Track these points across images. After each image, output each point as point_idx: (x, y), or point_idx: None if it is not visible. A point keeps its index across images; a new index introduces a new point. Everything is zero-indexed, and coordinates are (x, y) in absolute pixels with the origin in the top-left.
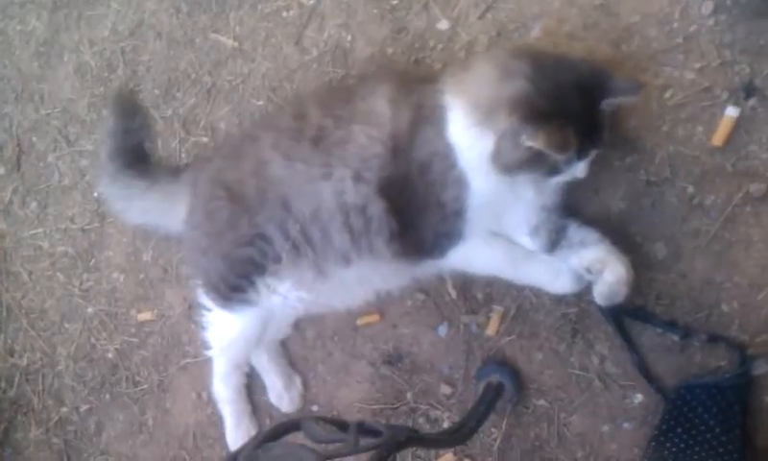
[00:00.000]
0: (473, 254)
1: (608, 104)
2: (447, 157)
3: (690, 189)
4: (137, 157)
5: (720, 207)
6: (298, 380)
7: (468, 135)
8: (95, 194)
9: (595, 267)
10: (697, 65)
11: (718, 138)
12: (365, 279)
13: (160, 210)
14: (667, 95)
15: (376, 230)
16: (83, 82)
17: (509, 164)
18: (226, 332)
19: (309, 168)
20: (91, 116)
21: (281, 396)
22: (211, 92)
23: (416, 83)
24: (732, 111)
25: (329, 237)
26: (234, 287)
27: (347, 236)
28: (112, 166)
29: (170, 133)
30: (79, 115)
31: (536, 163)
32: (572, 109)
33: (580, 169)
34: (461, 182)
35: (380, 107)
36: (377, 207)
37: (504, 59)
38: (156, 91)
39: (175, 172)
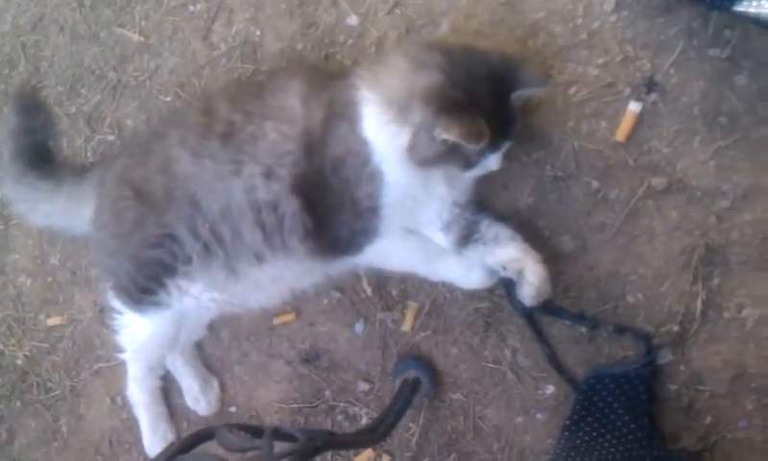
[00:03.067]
0: (389, 251)
1: (517, 96)
2: (361, 153)
3: (595, 184)
4: (41, 157)
5: (624, 201)
6: (214, 383)
7: (384, 131)
8: None
9: (511, 266)
10: (600, 61)
11: (621, 133)
12: (279, 278)
13: (66, 212)
14: (572, 91)
15: (290, 228)
16: None
17: (424, 157)
18: (138, 335)
19: (218, 165)
20: None
21: (198, 399)
22: (117, 88)
23: (327, 78)
24: (634, 106)
25: (240, 235)
26: (144, 289)
27: (258, 234)
28: (15, 167)
29: (75, 132)
30: None
31: (451, 156)
32: (485, 100)
33: (494, 161)
34: (375, 179)
35: (292, 103)
36: (290, 205)
37: (417, 51)
38: (60, 88)
39: (80, 172)
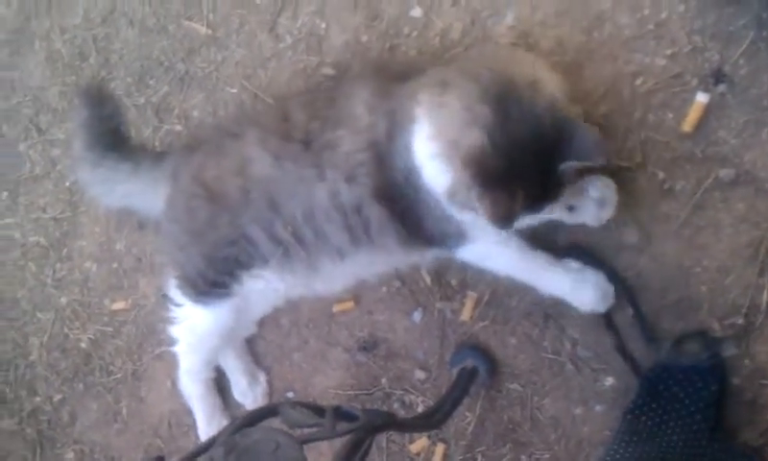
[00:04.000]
0: (487, 255)
1: (568, 166)
2: (419, 173)
3: (661, 175)
4: (117, 141)
5: (690, 193)
6: (262, 378)
7: (431, 166)
8: (67, 183)
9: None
10: (668, 52)
11: (688, 124)
12: (357, 270)
13: (143, 194)
14: (638, 82)
15: (378, 231)
16: (54, 70)
17: (463, 207)
18: (197, 327)
19: (300, 169)
20: (62, 105)
21: (245, 393)
22: (184, 80)
23: (393, 81)
24: (702, 98)
25: (325, 236)
26: (214, 283)
27: (345, 235)
28: (92, 154)
29: (143, 122)
30: (50, 104)
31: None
32: (528, 169)
33: (553, 211)
34: (437, 200)
35: (359, 112)
36: (375, 212)
37: (473, 99)
38: (129, 79)
39: (157, 156)
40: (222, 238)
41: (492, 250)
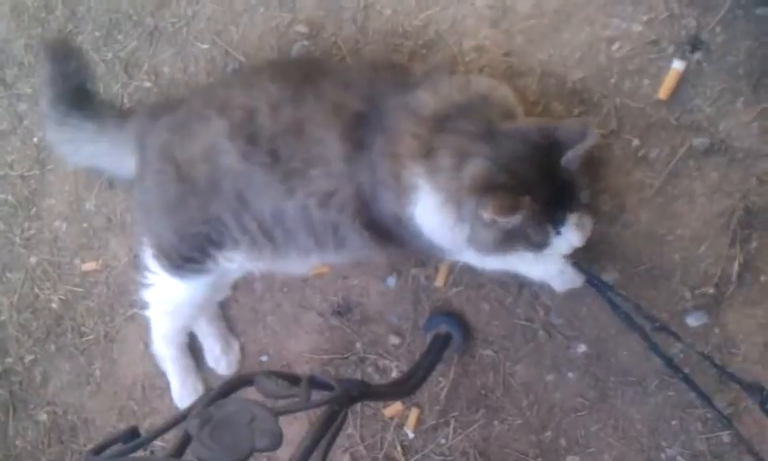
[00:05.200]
0: (476, 262)
1: (567, 160)
2: (413, 225)
3: (636, 142)
4: (82, 99)
5: (664, 161)
6: (235, 344)
7: (443, 222)
8: (35, 140)
9: None
10: (645, 18)
11: (664, 92)
12: (326, 259)
13: (110, 154)
14: (615, 47)
15: (356, 245)
16: (19, 22)
17: (487, 247)
18: (173, 297)
19: (268, 177)
20: (29, 58)
21: (219, 359)
22: (154, 35)
23: (364, 126)
24: (678, 65)
25: (293, 237)
26: (188, 258)
27: (312, 239)
28: (57, 111)
29: (112, 77)
30: (16, 57)
31: (512, 240)
32: (535, 178)
33: (572, 238)
34: (432, 243)
35: (336, 163)
36: (356, 235)
37: (460, 143)
38: (97, 33)
39: (121, 115)
40: (192, 217)
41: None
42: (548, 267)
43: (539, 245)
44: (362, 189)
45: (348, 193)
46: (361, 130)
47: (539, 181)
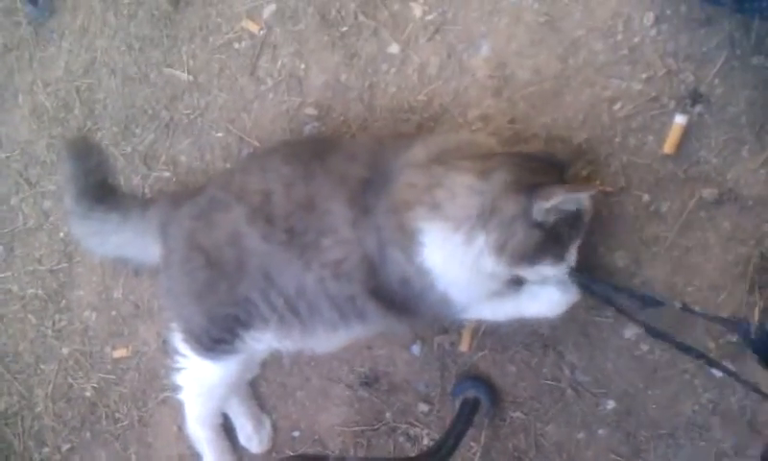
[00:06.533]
0: (479, 315)
1: (569, 177)
2: (424, 277)
3: (646, 197)
4: (104, 193)
5: (676, 213)
6: (267, 422)
7: (454, 254)
8: (61, 234)
9: None
10: (643, 76)
11: (669, 146)
12: (351, 335)
13: (134, 244)
14: (617, 107)
15: (372, 316)
16: (39, 123)
17: (520, 253)
18: (205, 379)
19: (288, 254)
20: (51, 157)
21: (251, 437)
22: (170, 126)
23: (368, 191)
24: (680, 119)
25: (318, 310)
26: (218, 339)
27: (335, 313)
28: (80, 207)
29: (132, 170)
30: (38, 157)
31: (546, 245)
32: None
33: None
34: (443, 300)
35: (343, 230)
36: (369, 306)
37: (476, 165)
38: (115, 128)
39: (143, 204)
40: (222, 299)
41: (482, 313)
42: (551, 294)
43: (561, 255)
44: (370, 255)
45: (356, 259)
46: (366, 195)
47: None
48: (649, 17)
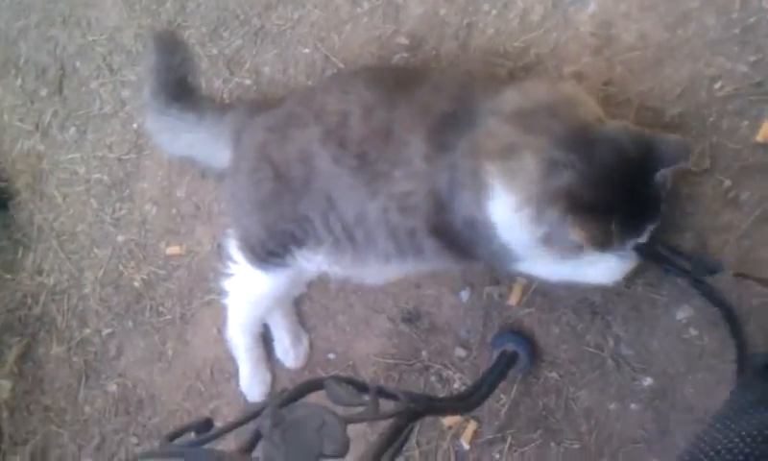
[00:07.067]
0: (534, 272)
1: (661, 175)
2: (488, 226)
3: (727, 183)
4: (183, 91)
5: (755, 204)
6: (305, 339)
7: (518, 226)
8: (134, 125)
9: None
10: (751, 59)
11: (763, 135)
12: (402, 270)
13: (207, 145)
14: (717, 86)
15: (430, 253)
16: (131, 12)
17: (562, 252)
18: (254, 288)
19: (355, 180)
20: (137, 47)
21: (287, 351)
22: (259, 35)
23: (450, 129)
24: None
25: (374, 240)
26: (271, 252)
27: (392, 244)
28: (158, 101)
29: (214, 73)
30: (125, 45)
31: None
32: (621, 192)
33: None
34: (504, 249)
35: (417, 163)
36: (430, 242)
37: (550, 150)
38: (204, 29)
39: (220, 109)
40: (283, 214)
41: (544, 268)
42: (609, 261)
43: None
44: (438, 192)
45: (423, 194)
46: (447, 131)
47: (625, 196)
48: None
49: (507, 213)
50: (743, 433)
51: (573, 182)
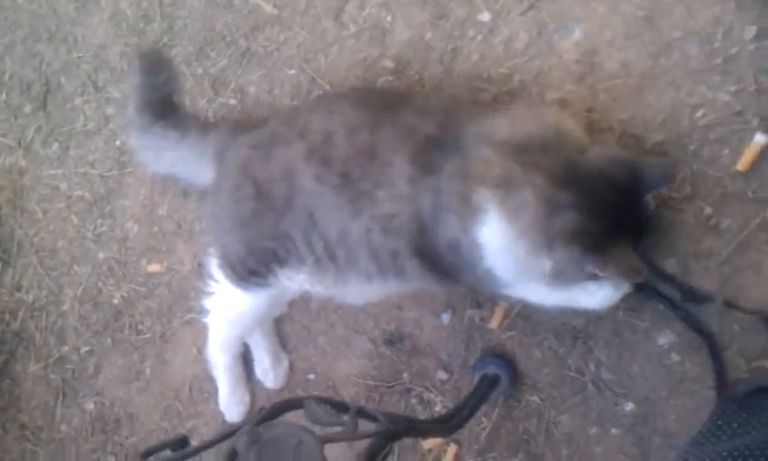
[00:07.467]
0: (524, 297)
1: (650, 197)
2: (474, 251)
3: (708, 210)
4: (167, 110)
5: (735, 231)
6: (285, 360)
7: (512, 251)
8: (118, 142)
9: None
10: (733, 88)
11: (743, 163)
12: (384, 290)
13: (189, 163)
14: (699, 114)
15: (412, 274)
16: (117, 29)
17: (570, 283)
18: (234, 307)
19: (338, 199)
20: (122, 65)
21: (267, 372)
22: (245, 56)
23: (434, 152)
24: (760, 138)
25: (355, 260)
26: (252, 271)
27: (373, 264)
28: (141, 120)
29: (199, 92)
30: (110, 62)
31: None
32: (621, 221)
33: None
34: (490, 274)
35: (401, 185)
36: (411, 264)
37: (548, 191)
38: (190, 48)
39: (204, 128)
40: (264, 232)
41: (530, 295)
42: (603, 288)
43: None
44: (422, 214)
45: (407, 216)
46: (432, 153)
47: (624, 221)
48: (751, 31)
49: (501, 241)
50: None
51: (578, 221)
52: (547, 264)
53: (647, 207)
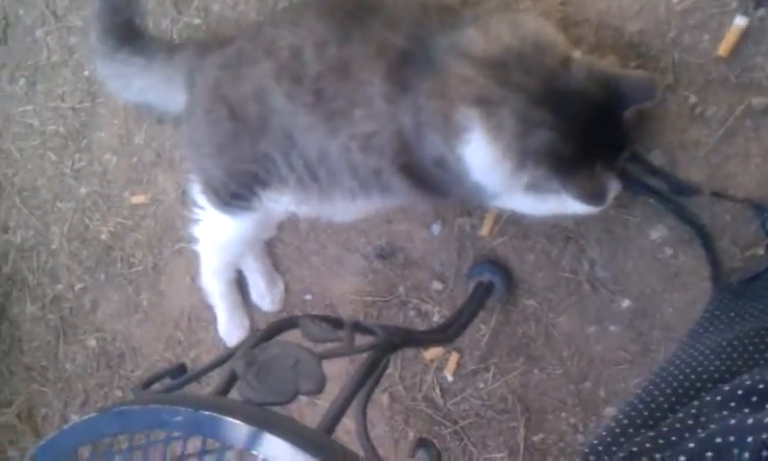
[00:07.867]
0: (515, 207)
1: (630, 112)
2: (461, 166)
3: (692, 99)
4: (130, 34)
5: (721, 119)
6: (280, 282)
7: (497, 169)
8: (86, 72)
9: None
10: None
11: (724, 48)
12: (370, 206)
13: (159, 89)
14: (675, 0)
15: (398, 190)
16: None
17: (545, 194)
18: (222, 233)
19: (312, 118)
20: None
21: (263, 295)
22: None
23: (408, 68)
24: (740, 21)
25: (338, 178)
26: (235, 195)
27: (356, 183)
28: (105, 46)
29: (161, 13)
30: None
31: None
32: (595, 139)
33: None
34: (477, 188)
35: (378, 104)
36: (396, 181)
37: (523, 108)
38: None
39: (169, 50)
40: (242, 154)
41: (521, 204)
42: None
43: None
44: (403, 132)
45: (388, 135)
46: (406, 69)
47: (602, 140)
48: None
49: (485, 160)
50: (719, 349)
51: (550, 141)
52: (524, 179)
53: (627, 121)
